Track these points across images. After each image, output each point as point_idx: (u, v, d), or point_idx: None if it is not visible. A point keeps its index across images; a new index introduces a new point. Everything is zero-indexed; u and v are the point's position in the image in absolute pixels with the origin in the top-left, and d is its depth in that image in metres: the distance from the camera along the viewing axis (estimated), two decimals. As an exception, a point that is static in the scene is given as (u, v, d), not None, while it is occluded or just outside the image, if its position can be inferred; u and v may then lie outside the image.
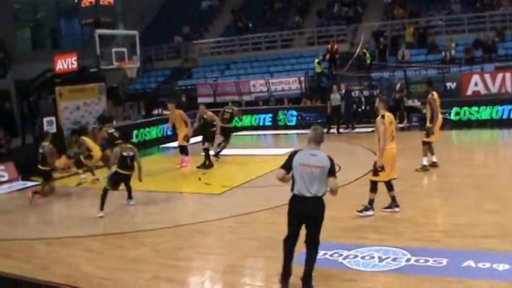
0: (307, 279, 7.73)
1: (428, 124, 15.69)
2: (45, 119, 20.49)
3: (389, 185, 11.46)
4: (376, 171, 11.28)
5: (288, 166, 7.79)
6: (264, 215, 12.14)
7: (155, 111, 30.72)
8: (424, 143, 15.67)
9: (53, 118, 20.82)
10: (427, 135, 15.66)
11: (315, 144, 7.86)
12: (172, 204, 14.14)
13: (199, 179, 16.70)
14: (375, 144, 11.57)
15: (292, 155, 7.83)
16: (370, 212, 11.29)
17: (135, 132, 24.28)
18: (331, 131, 24.98)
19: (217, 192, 14.79)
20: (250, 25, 38.04)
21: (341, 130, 25.36)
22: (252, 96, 30.73)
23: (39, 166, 15.52)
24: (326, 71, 30.21)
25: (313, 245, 7.79)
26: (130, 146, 13.64)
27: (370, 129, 24.86)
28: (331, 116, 25.64)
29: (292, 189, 7.78)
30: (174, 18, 40.31)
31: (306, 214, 7.72)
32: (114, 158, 13.69)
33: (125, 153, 13.27)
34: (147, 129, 25.54)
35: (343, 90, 25.92)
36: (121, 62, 22.32)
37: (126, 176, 13.38)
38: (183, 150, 19.23)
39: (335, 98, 25.37)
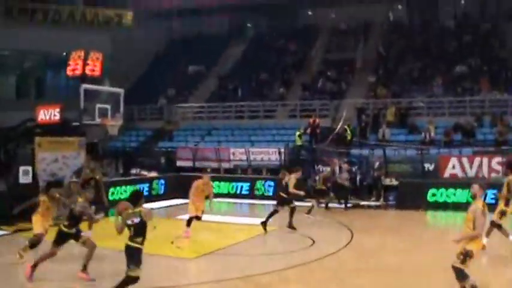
0: None
1: (503, 207, 15.36)
2: (21, 168, 20.31)
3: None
4: (464, 259, 10.31)
5: None
6: (232, 284, 11.99)
7: (133, 171, 30.55)
8: (493, 223, 15.22)
9: (30, 168, 20.63)
10: (500, 217, 15.35)
11: None
12: (142, 266, 13.83)
13: (172, 242, 16.47)
14: (465, 229, 10.72)
15: None
16: None
17: (111, 189, 24.10)
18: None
19: (189, 257, 14.59)
20: (240, 90, 38.59)
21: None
22: (231, 164, 30.68)
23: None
24: (306, 144, 30.32)
25: None
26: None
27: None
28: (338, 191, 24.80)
29: None
30: (160, 80, 40.70)
31: None
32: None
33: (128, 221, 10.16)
34: (123, 187, 25.34)
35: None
36: (104, 118, 22.32)
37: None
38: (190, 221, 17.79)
39: (342, 176, 24.97)
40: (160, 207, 24.69)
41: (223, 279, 12.16)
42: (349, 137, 29.61)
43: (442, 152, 27.27)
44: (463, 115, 30.74)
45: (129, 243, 9.99)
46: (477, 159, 25.76)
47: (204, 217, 18.67)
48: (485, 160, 25.58)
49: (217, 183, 27.97)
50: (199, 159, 31.09)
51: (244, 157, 30.29)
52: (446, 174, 25.87)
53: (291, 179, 18.53)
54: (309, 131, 30.57)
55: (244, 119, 36.47)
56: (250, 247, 16.21)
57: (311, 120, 30.77)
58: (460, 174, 25.73)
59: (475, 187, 10.71)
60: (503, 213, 15.40)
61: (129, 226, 10.01)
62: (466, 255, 10.23)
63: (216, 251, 15.43)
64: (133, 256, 9.98)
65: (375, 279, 12.30)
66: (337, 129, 31.14)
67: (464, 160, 25.90)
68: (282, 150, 29.62)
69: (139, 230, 9.99)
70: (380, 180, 25.80)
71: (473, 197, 10.70)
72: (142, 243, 10.04)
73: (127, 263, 9.99)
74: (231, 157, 30.74)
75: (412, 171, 26.16)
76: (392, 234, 18.84)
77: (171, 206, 24.86)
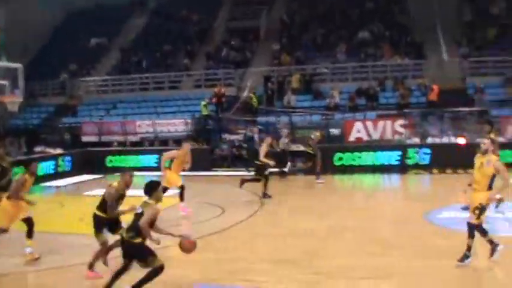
0: None
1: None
2: None
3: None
4: (480, 214, 10.25)
5: None
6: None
7: (37, 148, 29.70)
8: None
9: None
10: None
11: None
12: (53, 246, 13.41)
13: (81, 219, 16.07)
14: (478, 183, 10.40)
15: None
16: (469, 260, 10.34)
17: (14, 169, 23.37)
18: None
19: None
20: (144, 61, 37.94)
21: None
22: (138, 137, 30.38)
23: None
24: (213, 114, 30.26)
25: None
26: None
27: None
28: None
29: None
30: (60, 54, 39.58)
31: None
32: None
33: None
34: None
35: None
36: (1, 95, 21.55)
37: None
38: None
39: (284, 141, 25.33)
40: (68, 184, 24.23)
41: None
42: (255, 105, 29.74)
43: (346, 117, 27.79)
44: (366, 80, 31.38)
45: (127, 239, 8.92)
46: (381, 123, 26.50)
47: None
48: (388, 123, 26.32)
49: (124, 157, 27.75)
50: (104, 133, 30.63)
51: (150, 129, 30.04)
52: (352, 138, 26.46)
53: (262, 147, 18.87)
54: (214, 100, 30.48)
55: (150, 90, 35.91)
56: (159, 220, 16.00)
57: (216, 89, 30.64)
58: (365, 137, 26.38)
59: (487, 142, 10.58)
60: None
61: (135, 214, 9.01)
62: (481, 210, 10.25)
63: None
64: (143, 251, 8.91)
65: (285, 243, 12.45)
66: (242, 98, 31.24)
67: (369, 124, 26.57)
68: (189, 120, 29.55)
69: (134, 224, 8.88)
70: (288, 147, 26.05)
71: (485, 152, 10.46)
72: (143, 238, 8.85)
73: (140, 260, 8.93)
74: (138, 130, 30.45)
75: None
76: (301, 199, 19.14)
77: (78, 182, 24.37)
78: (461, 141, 24.32)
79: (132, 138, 30.37)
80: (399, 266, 10.47)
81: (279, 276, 10.11)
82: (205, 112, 29.82)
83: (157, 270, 8.82)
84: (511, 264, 10.31)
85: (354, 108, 28.89)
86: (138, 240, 8.79)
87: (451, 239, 12.10)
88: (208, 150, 27.47)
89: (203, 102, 29.86)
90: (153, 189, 9.15)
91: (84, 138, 30.67)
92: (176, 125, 29.84)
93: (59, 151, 28.24)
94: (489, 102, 27.84)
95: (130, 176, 10.65)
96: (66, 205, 18.36)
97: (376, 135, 26.34)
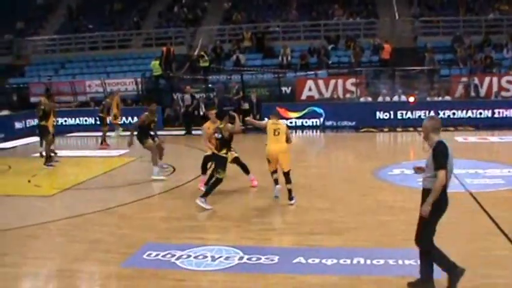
0: None
1: None
2: None
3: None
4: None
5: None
6: (95, 217, 11.66)
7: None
8: None
9: None
10: None
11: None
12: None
13: (29, 181, 15.82)
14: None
15: (446, 149, 6.81)
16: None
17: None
18: None
19: (48, 195, 14.03)
20: (90, 26, 36.95)
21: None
22: (88, 97, 29.87)
23: None
24: (163, 73, 29.75)
25: None
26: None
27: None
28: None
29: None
30: (6, 13, 38.41)
31: None
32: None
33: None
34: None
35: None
36: None
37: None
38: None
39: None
40: (16, 146, 23.76)
41: (84, 213, 11.81)
42: (206, 64, 29.39)
43: (298, 75, 27.78)
44: (318, 39, 31.38)
45: (216, 152, 11.95)
46: (332, 81, 26.56)
47: (61, 152, 18.06)
48: (340, 81, 26.41)
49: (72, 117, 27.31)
50: (54, 94, 29.99)
51: (100, 89, 29.55)
52: (303, 97, 26.49)
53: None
54: (164, 59, 29.79)
55: (99, 50, 35.33)
56: (111, 179, 15.90)
57: (165, 48, 29.79)
58: (316, 96, 26.44)
59: None
60: None
61: (215, 139, 12.01)
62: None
63: (77, 185, 15.00)
64: (221, 162, 11.81)
65: (235, 201, 12.42)
66: (193, 57, 30.90)
67: (320, 82, 26.61)
68: (139, 80, 29.15)
69: (222, 144, 11.85)
70: (240, 105, 25.97)
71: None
72: (226, 153, 11.95)
73: (215, 168, 11.97)
74: (87, 89, 29.99)
75: (270, 94, 26.58)
76: (251, 156, 18.98)
77: (27, 144, 23.92)
78: (412, 99, 24.63)
79: (82, 98, 29.87)
80: (348, 222, 10.52)
81: (226, 233, 10.09)
82: (158, 71, 29.11)
83: (220, 180, 11.76)
84: (461, 218, 10.42)
85: (306, 67, 28.86)
86: (223, 155, 11.92)
87: (398, 195, 12.29)
88: (160, 110, 27.07)
89: (153, 62, 29.21)
90: (221, 115, 12.61)
91: (33, 99, 30.02)
92: (126, 85, 29.49)
93: (5, 112, 27.68)
94: (439, 62, 28.21)
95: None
96: (15, 167, 17.96)
97: (327, 94, 26.44)
